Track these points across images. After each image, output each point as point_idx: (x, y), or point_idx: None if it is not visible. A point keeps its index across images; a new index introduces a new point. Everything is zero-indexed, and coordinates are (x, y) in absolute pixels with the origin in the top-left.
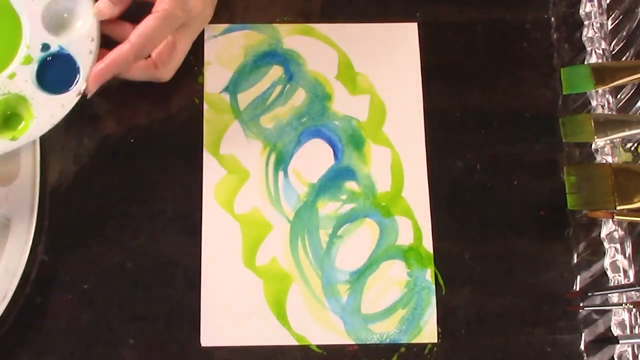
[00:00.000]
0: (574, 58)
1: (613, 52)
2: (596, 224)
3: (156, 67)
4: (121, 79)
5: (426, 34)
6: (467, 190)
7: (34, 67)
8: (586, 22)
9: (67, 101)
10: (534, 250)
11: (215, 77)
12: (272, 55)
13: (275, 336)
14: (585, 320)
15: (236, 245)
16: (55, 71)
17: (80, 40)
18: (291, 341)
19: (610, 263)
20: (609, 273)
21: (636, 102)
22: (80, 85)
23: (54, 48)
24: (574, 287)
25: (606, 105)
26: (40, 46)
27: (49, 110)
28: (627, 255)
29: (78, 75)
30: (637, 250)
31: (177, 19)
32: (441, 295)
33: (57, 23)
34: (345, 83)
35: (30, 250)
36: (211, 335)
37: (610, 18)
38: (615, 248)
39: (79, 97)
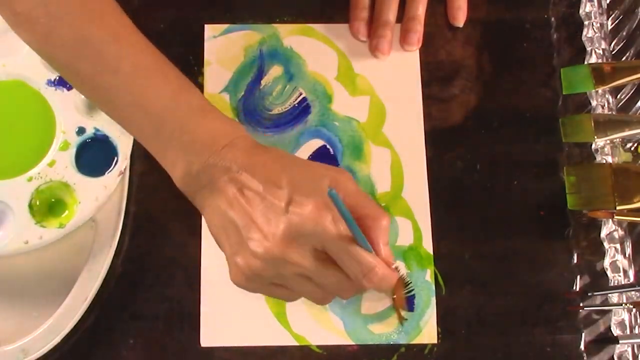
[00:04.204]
0: (574, 58)
1: (613, 52)
2: (596, 224)
3: None
4: None
5: (426, 34)
6: (467, 190)
7: (72, 151)
8: (586, 22)
9: (109, 182)
10: (534, 250)
11: (215, 77)
12: (272, 56)
13: (275, 336)
14: (585, 320)
15: None
16: (93, 153)
17: None
18: (291, 341)
19: (610, 263)
20: (609, 273)
21: (636, 102)
22: (120, 165)
23: (89, 130)
24: (574, 287)
25: (606, 105)
26: (76, 130)
27: (92, 193)
28: (627, 255)
29: (117, 155)
30: (637, 250)
31: None
32: (441, 296)
33: (89, 105)
34: (345, 84)
35: None
36: (211, 335)
37: (610, 18)
38: (615, 248)
39: (121, 176)
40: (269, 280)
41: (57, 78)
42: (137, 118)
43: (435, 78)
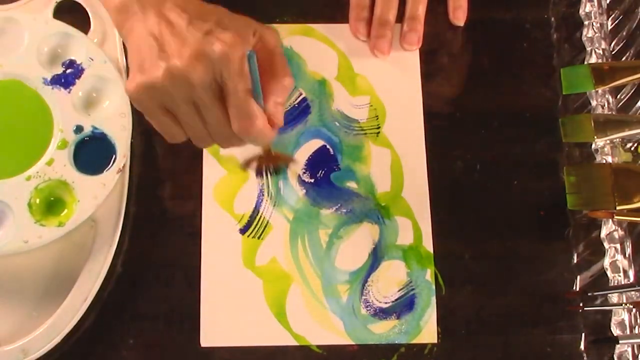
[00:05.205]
0: (574, 58)
1: (613, 52)
2: (596, 224)
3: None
4: None
5: (426, 34)
6: (467, 190)
7: (70, 150)
8: (586, 22)
9: (108, 180)
10: (534, 250)
11: None
12: None
13: (275, 336)
14: (585, 320)
15: (236, 245)
16: (91, 151)
17: (112, 118)
18: (291, 341)
19: (610, 263)
20: (609, 273)
21: (636, 102)
22: (118, 163)
23: (87, 129)
24: (574, 287)
25: (606, 105)
26: (74, 128)
27: (91, 191)
28: (627, 255)
29: (115, 153)
30: (637, 250)
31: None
32: (441, 295)
33: (86, 103)
34: (345, 84)
35: None
36: (211, 335)
37: (610, 18)
38: (615, 248)
39: (119, 174)
40: (161, 100)
41: (54, 77)
42: None
43: (435, 78)
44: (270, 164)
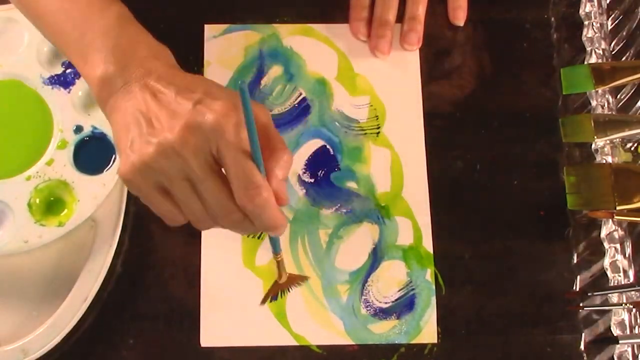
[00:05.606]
0: (574, 58)
1: (613, 52)
2: (596, 224)
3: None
4: None
5: (426, 34)
6: (467, 190)
7: (70, 150)
8: (586, 22)
9: (107, 180)
10: (534, 250)
11: (215, 77)
12: (272, 56)
13: (275, 336)
14: (585, 320)
15: (236, 245)
16: (91, 151)
17: None
18: (291, 341)
19: (610, 263)
20: (609, 273)
21: (636, 102)
22: (119, 163)
23: (87, 129)
24: (574, 287)
25: (606, 105)
26: (74, 128)
27: (91, 191)
28: (627, 255)
29: (115, 153)
30: (637, 250)
31: None
32: (441, 295)
33: (86, 103)
34: (345, 84)
35: None
36: (211, 335)
37: (610, 18)
38: (615, 248)
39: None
40: (156, 180)
41: (54, 77)
42: (63, 24)
43: (435, 78)
44: (286, 287)
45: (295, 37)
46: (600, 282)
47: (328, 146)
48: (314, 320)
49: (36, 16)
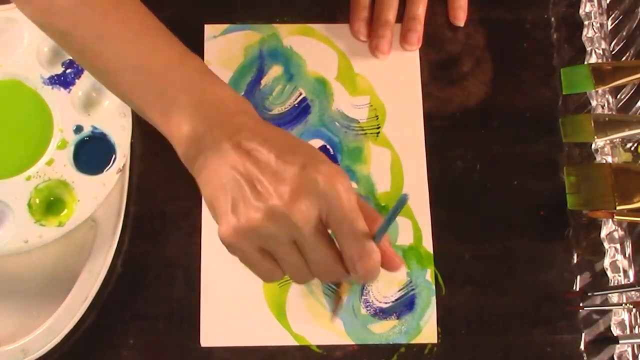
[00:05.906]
0: (574, 58)
1: (613, 52)
2: (596, 224)
3: None
4: None
5: (426, 34)
6: (467, 190)
7: (70, 150)
8: (586, 22)
9: (108, 180)
10: (534, 250)
11: None
12: (272, 56)
13: (275, 336)
14: (585, 320)
15: None
16: (91, 151)
17: (112, 117)
18: (291, 341)
19: (610, 263)
20: (609, 273)
21: (636, 102)
22: (118, 163)
23: (87, 129)
24: (574, 287)
25: (606, 105)
26: (74, 128)
27: (91, 191)
28: (627, 255)
29: (115, 153)
30: (637, 250)
31: None
32: (441, 295)
33: (86, 103)
34: (345, 84)
35: None
36: (211, 335)
37: (610, 18)
38: (615, 248)
39: (119, 174)
40: (259, 243)
41: (54, 76)
42: (141, 80)
43: (435, 78)
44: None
45: (295, 37)
46: (600, 282)
47: (328, 146)
48: (314, 320)
49: (106, 72)
